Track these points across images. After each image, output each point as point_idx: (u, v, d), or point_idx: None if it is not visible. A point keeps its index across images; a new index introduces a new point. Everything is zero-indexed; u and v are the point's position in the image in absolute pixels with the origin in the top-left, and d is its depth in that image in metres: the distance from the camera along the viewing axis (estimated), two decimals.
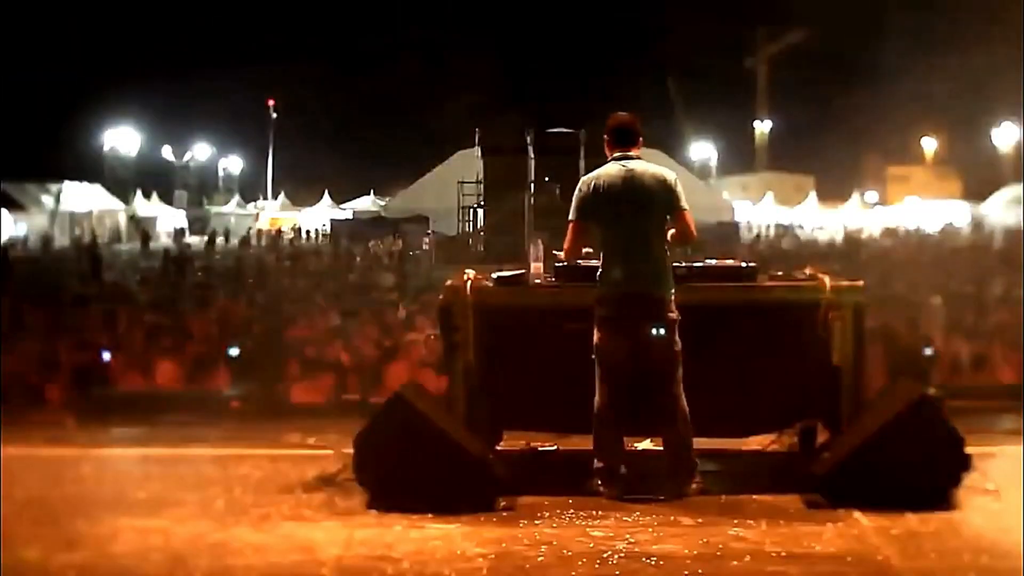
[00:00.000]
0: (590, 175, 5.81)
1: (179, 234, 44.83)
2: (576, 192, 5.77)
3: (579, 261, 6.02)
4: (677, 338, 5.64)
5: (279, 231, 45.80)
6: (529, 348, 6.15)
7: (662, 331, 5.59)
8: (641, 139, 5.82)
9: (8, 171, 39.32)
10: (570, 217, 5.77)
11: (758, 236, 34.97)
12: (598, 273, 5.72)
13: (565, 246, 5.82)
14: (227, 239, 40.48)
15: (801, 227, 44.65)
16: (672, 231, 5.74)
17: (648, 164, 5.78)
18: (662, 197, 5.67)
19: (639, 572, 4.63)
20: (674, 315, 5.63)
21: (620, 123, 5.81)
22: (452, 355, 6.00)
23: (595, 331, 5.67)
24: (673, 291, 5.66)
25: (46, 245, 34.91)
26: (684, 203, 5.72)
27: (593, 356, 5.69)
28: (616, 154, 5.77)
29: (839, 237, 34.06)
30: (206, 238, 39.86)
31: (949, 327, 10.29)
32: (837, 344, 5.93)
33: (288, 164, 61.69)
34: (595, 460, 5.72)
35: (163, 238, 44.34)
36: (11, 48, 46.18)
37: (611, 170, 5.73)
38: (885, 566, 4.69)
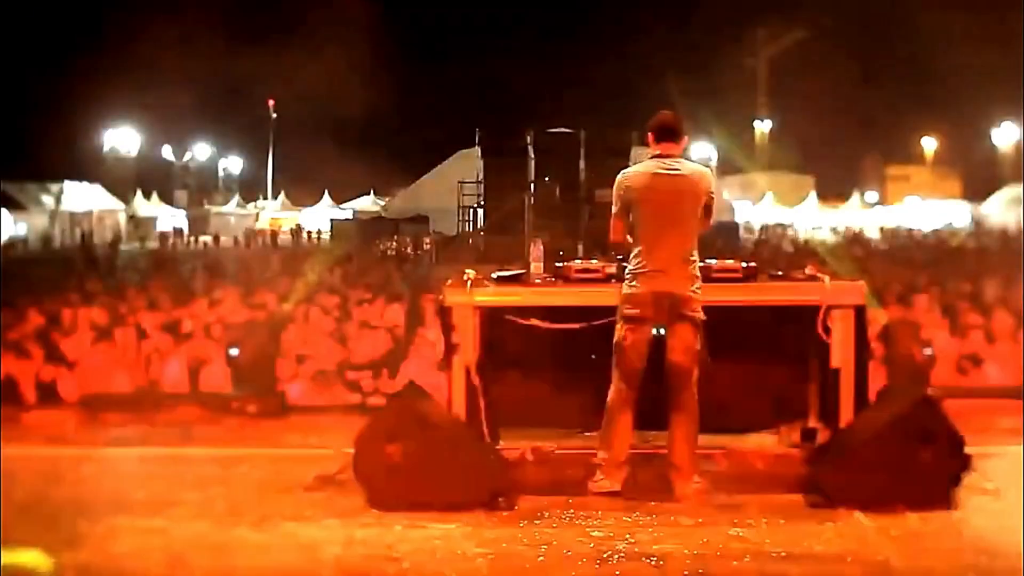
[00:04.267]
0: (630, 169, 5.85)
1: (178, 234, 44.94)
2: (615, 186, 5.80)
3: (578, 261, 6.05)
4: (701, 339, 5.64)
5: (275, 232, 45.87)
6: (529, 348, 6.15)
7: (687, 331, 5.60)
8: (684, 137, 5.84)
9: (8, 171, 39.33)
10: (613, 209, 5.82)
11: (760, 238, 34.94)
12: (628, 269, 5.71)
13: (610, 236, 5.86)
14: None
15: (792, 226, 44.69)
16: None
17: (687, 162, 5.79)
18: (698, 195, 5.69)
19: (639, 572, 4.64)
20: (701, 315, 5.63)
21: (662, 120, 5.82)
22: (452, 355, 6.00)
23: (618, 327, 5.67)
24: (700, 291, 5.66)
25: (46, 245, 34.93)
26: (714, 193, 5.78)
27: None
28: (657, 151, 5.78)
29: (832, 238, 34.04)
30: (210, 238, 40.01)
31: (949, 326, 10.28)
32: (837, 344, 5.93)
33: (288, 164, 61.67)
34: (598, 452, 5.72)
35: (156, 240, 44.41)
36: (11, 48, 46.17)
37: (650, 167, 5.75)
38: (885, 566, 4.69)
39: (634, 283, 5.64)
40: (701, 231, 5.78)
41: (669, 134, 5.79)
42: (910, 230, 39.20)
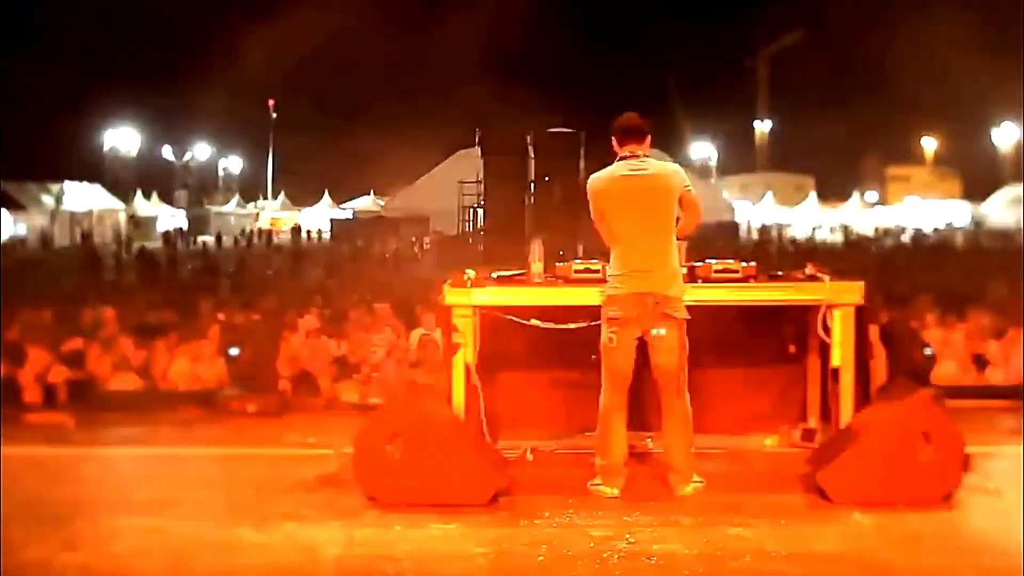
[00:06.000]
0: (597, 174, 5.81)
1: (178, 234, 44.98)
2: (588, 193, 5.78)
3: (578, 261, 6.06)
4: (686, 338, 5.64)
5: (271, 232, 45.92)
6: (529, 348, 6.16)
7: (671, 331, 5.59)
8: (649, 137, 5.81)
9: (8, 171, 39.35)
10: (592, 216, 5.81)
11: (761, 239, 34.96)
12: (608, 272, 5.71)
13: (606, 242, 5.83)
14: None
15: (789, 226, 44.72)
16: (680, 221, 5.73)
17: (654, 161, 5.76)
18: (670, 193, 5.66)
19: (639, 572, 4.64)
20: (684, 315, 5.63)
21: (626, 122, 5.79)
22: (452, 355, 6.00)
23: (603, 330, 5.67)
24: (683, 290, 5.65)
25: (46, 245, 34.94)
26: (689, 186, 5.74)
27: (599, 354, 5.70)
28: (624, 152, 5.76)
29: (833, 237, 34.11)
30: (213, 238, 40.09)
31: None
32: (837, 344, 5.93)
33: (288, 164, 61.68)
34: (597, 458, 5.72)
35: (160, 240, 44.48)
36: (11, 48, 46.19)
37: (616, 170, 5.74)
38: (885, 566, 4.69)
39: (616, 285, 5.63)
40: (692, 224, 5.76)
41: (633, 134, 5.76)
42: (903, 229, 39.35)
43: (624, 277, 5.61)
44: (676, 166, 5.85)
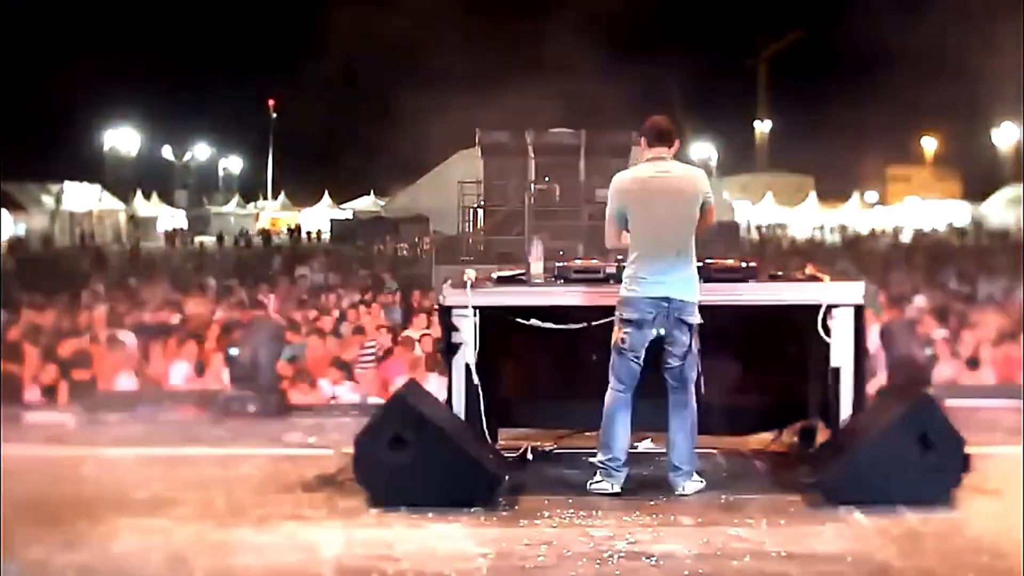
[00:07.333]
0: (624, 173, 5.83)
1: (177, 234, 45.04)
2: (610, 190, 5.79)
3: (578, 260, 6.06)
4: (698, 341, 5.64)
5: (269, 232, 45.97)
6: (529, 347, 6.15)
7: (685, 334, 5.59)
8: (677, 141, 5.82)
9: (8, 171, 39.35)
10: (607, 213, 5.81)
11: (761, 238, 34.97)
12: (625, 272, 5.70)
13: (606, 242, 5.86)
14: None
15: (789, 226, 44.76)
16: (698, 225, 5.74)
17: (679, 164, 5.78)
18: (694, 196, 5.66)
19: (639, 572, 4.63)
20: (698, 319, 5.63)
21: (655, 124, 5.80)
22: (452, 355, 6.00)
23: (615, 329, 5.67)
24: (699, 294, 5.64)
25: (46, 245, 34.96)
26: (710, 192, 5.75)
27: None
28: (650, 155, 5.77)
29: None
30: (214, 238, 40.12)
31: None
32: (837, 343, 5.92)
33: (288, 164, 61.72)
34: (597, 454, 5.72)
35: (163, 240, 44.55)
36: (11, 48, 46.18)
37: (642, 171, 5.74)
38: (885, 566, 4.68)
39: (632, 287, 5.62)
40: (704, 230, 5.77)
41: (662, 138, 5.78)
42: (901, 229, 39.50)
43: (642, 280, 5.59)
44: (700, 170, 5.86)
